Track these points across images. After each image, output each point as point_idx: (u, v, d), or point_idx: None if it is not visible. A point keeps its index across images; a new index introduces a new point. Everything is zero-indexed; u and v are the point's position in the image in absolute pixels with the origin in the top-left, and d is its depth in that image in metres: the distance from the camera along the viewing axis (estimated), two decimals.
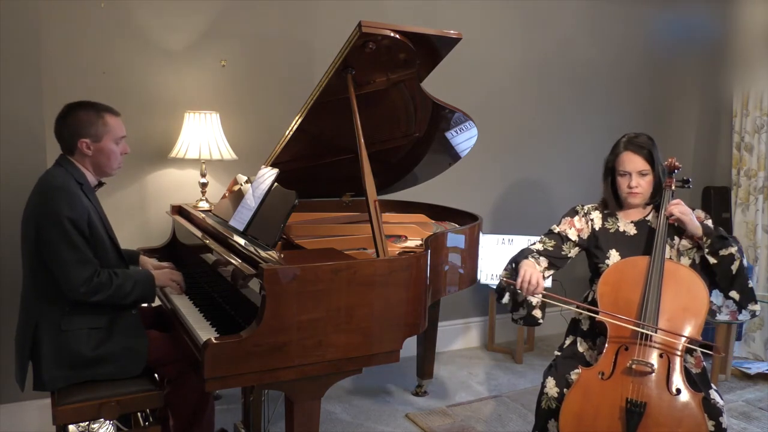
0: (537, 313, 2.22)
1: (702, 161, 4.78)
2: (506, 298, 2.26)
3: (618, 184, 2.23)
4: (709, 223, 2.18)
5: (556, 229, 2.33)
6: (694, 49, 4.67)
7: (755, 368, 3.74)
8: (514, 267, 2.21)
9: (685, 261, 2.18)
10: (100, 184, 2.24)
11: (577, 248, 2.30)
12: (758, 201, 4.09)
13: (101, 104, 2.16)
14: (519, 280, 2.09)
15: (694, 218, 2.13)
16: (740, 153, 4.20)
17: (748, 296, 2.11)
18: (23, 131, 2.62)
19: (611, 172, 2.26)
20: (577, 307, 2.16)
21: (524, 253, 2.26)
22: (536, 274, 2.09)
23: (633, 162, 2.18)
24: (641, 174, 2.18)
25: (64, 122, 2.11)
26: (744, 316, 2.13)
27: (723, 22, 4.54)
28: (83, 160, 2.14)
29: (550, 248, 2.28)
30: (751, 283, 2.12)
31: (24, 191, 2.34)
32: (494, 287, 3.78)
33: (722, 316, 2.15)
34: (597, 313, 2.07)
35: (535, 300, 2.19)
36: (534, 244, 2.32)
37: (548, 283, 3.16)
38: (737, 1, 4.38)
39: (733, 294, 2.11)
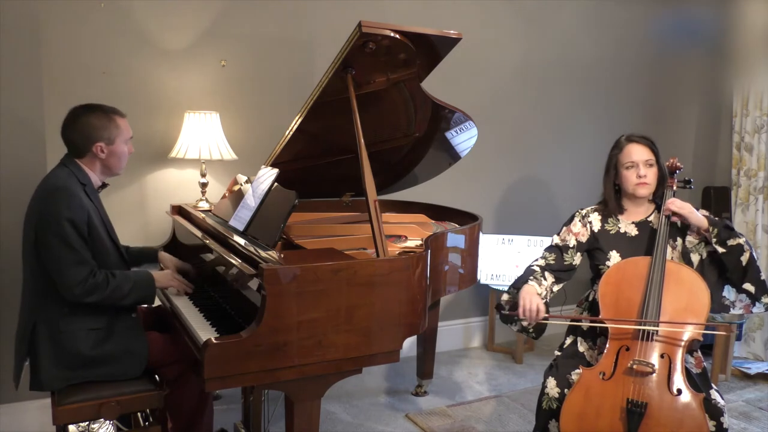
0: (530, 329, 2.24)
1: (702, 161, 4.78)
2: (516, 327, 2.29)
3: (624, 177, 2.23)
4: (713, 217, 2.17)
5: (555, 241, 2.33)
6: (694, 49, 4.67)
7: (755, 368, 3.74)
8: (516, 292, 2.20)
9: (695, 258, 2.16)
10: (104, 185, 2.24)
11: (579, 253, 2.30)
12: (758, 201, 4.08)
13: (107, 106, 2.17)
14: (520, 311, 2.10)
15: (694, 211, 2.12)
16: (740, 153, 4.19)
17: (762, 288, 2.08)
18: (24, 131, 2.62)
19: (615, 168, 2.26)
20: (582, 321, 2.17)
21: (525, 276, 2.24)
22: (535, 300, 2.09)
23: (639, 152, 2.20)
24: (648, 164, 2.20)
25: (74, 127, 2.11)
26: (758, 308, 2.10)
27: (723, 21, 4.54)
28: (92, 163, 2.15)
29: (552, 262, 2.27)
30: (763, 276, 2.09)
31: (24, 191, 2.33)
32: (494, 287, 3.82)
33: (736, 311, 2.14)
34: (603, 322, 2.07)
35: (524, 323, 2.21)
36: (537, 260, 2.31)
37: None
38: (737, 0, 4.38)
39: (748, 286, 2.08)
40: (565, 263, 2.27)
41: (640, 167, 2.19)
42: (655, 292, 2.01)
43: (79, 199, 2.04)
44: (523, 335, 2.35)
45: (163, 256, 2.51)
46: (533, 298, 2.10)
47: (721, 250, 2.08)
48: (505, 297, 2.27)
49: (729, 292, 2.13)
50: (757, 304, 2.11)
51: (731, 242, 2.07)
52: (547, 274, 2.25)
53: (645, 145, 2.22)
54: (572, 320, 2.31)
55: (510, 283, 2.31)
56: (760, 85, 4.07)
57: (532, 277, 2.22)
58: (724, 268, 2.11)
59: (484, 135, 3.25)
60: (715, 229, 2.09)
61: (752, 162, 4.12)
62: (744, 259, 2.07)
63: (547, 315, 2.10)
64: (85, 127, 2.10)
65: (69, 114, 2.14)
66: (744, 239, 2.09)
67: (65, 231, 1.97)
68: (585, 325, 2.28)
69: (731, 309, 2.13)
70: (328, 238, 2.52)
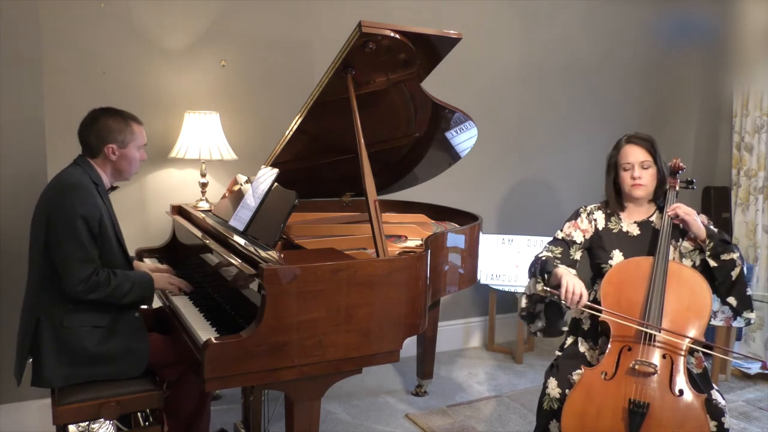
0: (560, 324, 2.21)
1: (702, 161, 4.78)
2: (537, 325, 2.26)
3: (622, 178, 2.24)
4: (712, 227, 2.18)
5: (560, 235, 2.31)
6: (694, 49, 4.67)
7: (755, 368, 3.74)
8: (547, 278, 2.14)
9: (687, 263, 2.18)
10: (113, 188, 2.26)
11: (581, 250, 2.29)
12: (758, 201, 4.08)
13: (127, 112, 2.22)
14: (563, 291, 2.03)
15: (698, 219, 2.13)
16: (740, 153, 4.20)
17: (745, 304, 2.11)
18: (24, 131, 2.61)
19: (614, 168, 2.26)
20: (615, 316, 2.05)
21: (549, 262, 2.18)
22: (579, 284, 2.03)
23: (635, 153, 2.20)
24: (644, 166, 2.20)
25: (91, 127, 2.15)
26: (738, 323, 2.14)
27: (723, 21, 4.53)
28: (104, 164, 2.18)
29: (558, 255, 2.25)
30: (749, 291, 2.12)
31: (24, 190, 2.34)
32: (494, 287, 3.82)
33: (717, 321, 2.15)
34: (600, 313, 2.06)
35: (570, 312, 2.16)
36: (542, 253, 2.28)
37: None
38: (737, 0, 4.38)
39: (731, 300, 2.11)
40: (570, 258, 2.27)
41: (635, 169, 2.19)
42: (657, 293, 2.01)
43: (94, 197, 2.07)
44: (524, 332, 2.31)
45: (139, 266, 2.48)
46: (576, 281, 2.04)
47: (713, 263, 2.10)
48: (538, 287, 2.18)
49: (713, 303, 2.13)
50: (738, 318, 2.12)
51: (724, 257, 2.09)
52: None
53: (642, 146, 2.21)
54: (608, 314, 2.08)
55: (522, 279, 2.25)
56: (760, 85, 4.07)
57: (557, 263, 2.17)
58: (714, 279, 2.12)
59: (484, 135, 3.25)
60: (711, 243, 2.10)
61: (752, 162, 4.12)
62: (734, 273, 2.08)
63: (588, 303, 2.04)
64: (101, 128, 2.14)
65: (88, 114, 2.18)
66: (738, 254, 2.10)
67: (77, 227, 1.99)
68: (586, 322, 2.27)
69: (712, 319, 2.14)
70: (328, 238, 2.52)
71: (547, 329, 2.24)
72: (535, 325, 2.27)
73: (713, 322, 2.15)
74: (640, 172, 2.19)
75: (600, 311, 2.06)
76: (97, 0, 2.92)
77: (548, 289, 2.10)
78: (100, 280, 2.02)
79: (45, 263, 2.05)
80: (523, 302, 2.27)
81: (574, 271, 2.15)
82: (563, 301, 2.06)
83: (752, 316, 2.12)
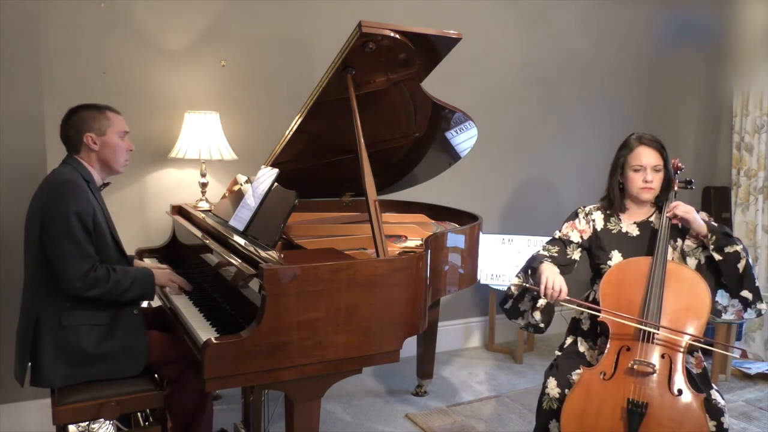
0: (537, 315, 2.20)
1: (702, 161, 4.78)
2: (509, 304, 2.27)
3: (629, 179, 2.21)
4: (713, 222, 2.17)
5: (558, 235, 2.32)
6: (694, 49, 4.67)
7: (755, 368, 3.74)
8: (530, 273, 2.18)
9: (692, 262, 2.16)
10: (105, 185, 2.26)
11: (579, 250, 2.29)
12: (758, 201, 4.08)
13: (102, 104, 2.22)
14: (542, 286, 2.06)
15: (697, 216, 2.12)
16: (740, 153, 4.20)
17: (757, 295, 2.10)
18: (24, 131, 2.62)
19: (621, 168, 2.24)
20: (599, 310, 2.08)
21: (538, 259, 2.22)
22: (559, 279, 2.06)
23: (648, 156, 2.18)
24: (655, 169, 2.18)
25: (68, 123, 2.17)
26: (749, 314, 2.11)
27: (723, 21, 4.53)
28: (90, 158, 2.18)
29: (555, 254, 2.25)
30: (757, 282, 2.11)
31: (24, 190, 2.34)
32: (494, 287, 3.82)
33: (727, 316, 2.14)
34: (600, 312, 2.07)
35: (540, 302, 2.18)
36: (539, 251, 2.29)
37: None
38: (737, 0, 4.38)
39: (745, 294, 2.08)
40: (567, 257, 2.26)
41: (647, 172, 2.17)
42: (656, 293, 2.01)
43: (86, 192, 2.07)
44: (524, 332, 2.32)
45: (139, 264, 2.47)
46: (556, 276, 2.07)
47: (718, 257, 2.09)
48: (515, 281, 2.24)
49: (722, 297, 2.13)
50: (748, 310, 2.11)
51: (728, 249, 2.08)
52: None
53: (655, 149, 2.18)
54: (588, 307, 2.16)
55: (517, 275, 2.27)
56: (760, 85, 4.07)
57: (545, 260, 2.20)
58: (721, 273, 2.11)
59: (484, 135, 3.25)
60: (714, 236, 2.09)
61: (752, 162, 4.12)
62: (741, 266, 2.07)
63: (567, 298, 2.06)
64: (77, 120, 2.16)
65: (65, 113, 2.19)
66: (741, 246, 2.09)
67: (71, 223, 1.99)
68: (585, 322, 2.27)
69: (723, 314, 2.14)
70: (328, 238, 2.52)
71: (536, 327, 2.25)
72: (518, 321, 2.29)
73: (724, 317, 2.14)
74: (652, 175, 2.17)
75: (581, 306, 2.10)
76: (97, 0, 2.92)
77: (527, 285, 2.15)
78: (99, 275, 2.01)
79: (41, 263, 2.05)
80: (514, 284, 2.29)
81: (557, 269, 2.16)
82: (543, 296, 2.09)
83: (764, 306, 2.11)
